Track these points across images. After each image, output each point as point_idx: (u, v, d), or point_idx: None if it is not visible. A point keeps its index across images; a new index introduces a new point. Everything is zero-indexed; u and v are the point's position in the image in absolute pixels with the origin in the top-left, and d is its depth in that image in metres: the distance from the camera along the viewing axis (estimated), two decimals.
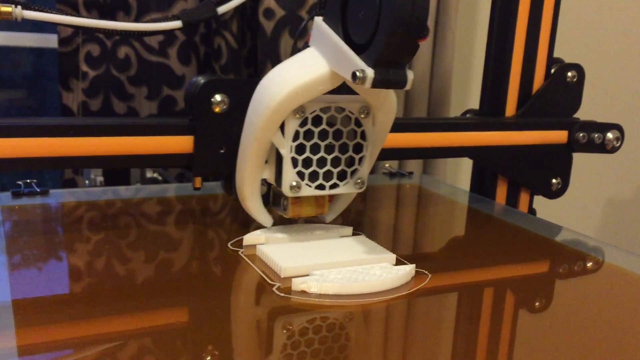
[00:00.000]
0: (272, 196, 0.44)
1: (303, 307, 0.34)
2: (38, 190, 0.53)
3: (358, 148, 0.41)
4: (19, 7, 0.45)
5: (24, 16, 0.45)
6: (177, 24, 0.54)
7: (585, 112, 0.60)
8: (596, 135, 0.57)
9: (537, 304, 0.38)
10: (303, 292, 0.36)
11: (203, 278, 0.38)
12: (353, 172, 0.41)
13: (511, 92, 0.58)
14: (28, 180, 0.54)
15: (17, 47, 1.10)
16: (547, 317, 0.36)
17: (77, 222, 0.47)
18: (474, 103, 0.63)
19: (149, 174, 0.78)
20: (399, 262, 0.40)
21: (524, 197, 0.60)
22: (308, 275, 0.37)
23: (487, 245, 0.48)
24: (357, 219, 0.53)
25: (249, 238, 0.43)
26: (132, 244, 0.43)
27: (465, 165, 0.77)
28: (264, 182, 0.42)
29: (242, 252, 0.42)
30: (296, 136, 0.39)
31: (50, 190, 0.53)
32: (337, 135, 0.40)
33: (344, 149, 0.41)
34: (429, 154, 0.56)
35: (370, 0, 0.33)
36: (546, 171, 0.59)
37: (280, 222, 0.45)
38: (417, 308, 0.36)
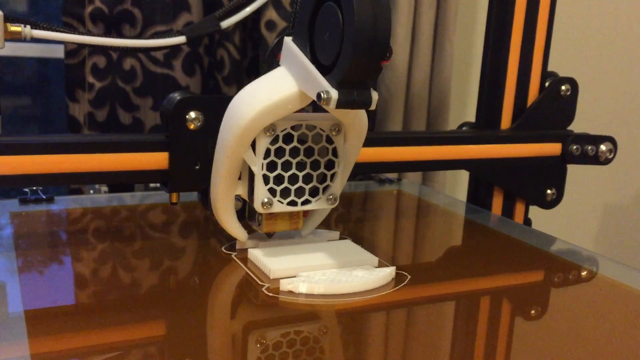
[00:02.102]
0: (247, 211, 0.44)
1: (289, 306, 0.37)
2: (44, 197, 0.54)
3: (330, 165, 0.42)
4: (28, 26, 0.47)
5: (33, 35, 0.47)
6: (181, 39, 0.56)
7: (578, 125, 0.62)
8: (589, 148, 0.58)
9: (525, 310, 0.39)
10: (290, 292, 0.38)
11: (198, 280, 0.41)
12: (325, 189, 0.42)
13: (506, 105, 0.59)
14: (34, 188, 0.56)
15: (23, 57, 1.12)
16: (532, 325, 0.37)
17: (84, 229, 0.49)
18: (473, 113, 0.65)
19: (152, 184, 0.80)
20: (381, 265, 0.43)
21: (519, 208, 0.62)
22: (295, 276, 0.39)
23: (469, 250, 0.51)
24: (344, 223, 0.54)
25: (242, 242, 0.45)
26: (134, 248, 0.45)
27: (464, 176, 0.78)
28: (239, 197, 0.43)
29: (234, 256, 0.44)
30: (267, 153, 0.40)
31: (55, 197, 0.55)
32: (309, 152, 0.41)
33: (315, 165, 0.41)
34: (426, 167, 0.57)
35: (334, 22, 0.34)
36: (541, 182, 0.60)
37: None
38: (395, 306, 0.38)
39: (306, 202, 0.42)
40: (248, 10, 0.58)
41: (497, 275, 0.45)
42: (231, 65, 0.88)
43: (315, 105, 0.38)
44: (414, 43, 0.97)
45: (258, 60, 0.90)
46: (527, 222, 0.63)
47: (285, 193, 0.41)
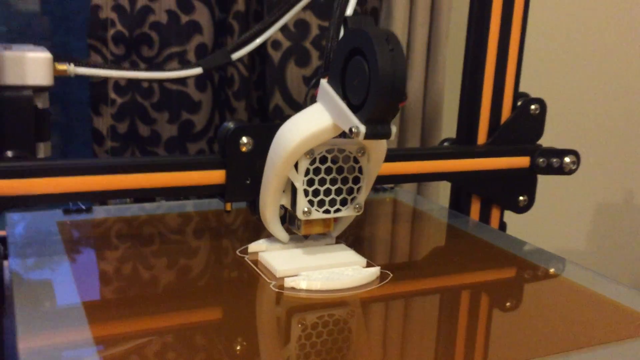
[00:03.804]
0: (288, 217, 0.54)
1: (292, 299, 0.46)
2: (84, 207, 0.63)
3: (356, 180, 0.51)
4: (72, 64, 0.56)
5: (77, 72, 0.56)
6: (198, 70, 0.65)
7: (550, 139, 0.70)
8: (555, 160, 0.67)
9: (492, 303, 0.47)
10: (292, 288, 0.47)
11: (216, 278, 0.50)
12: (352, 199, 0.51)
13: (482, 123, 0.68)
14: None
15: None
16: (497, 316, 0.46)
17: (123, 234, 0.58)
18: None
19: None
20: (369, 265, 0.51)
21: (495, 213, 0.70)
22: (297, 275, 0.48)
23: (446, 251, 0.59)
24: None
25: (253, 246, 0.54)
26: (161, 251, 0.54)
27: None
28: (282, 206, 0.52)
29: (247, 258, 0.53)
30: (307, 172, 0.49)
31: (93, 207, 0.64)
32: (340, 170, 0.50)
33: (345, 181, 0.51)
34: (413, 180, 0.65)
35: (362, 72, 0.43)
36: (514, 190, 0.69)
37: None
38: (378, 300, 0.47)
39: (337, 210, 0.51)
40: (257, 42, 0.66)
41: (468, 273, 0.53)
42: (240, 82, 0.97)
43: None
44: (409, 57, 1.05)
45: (265, 75, 0.99)
46: (503, 225, 0.71)
47: (321, 203, 0.50)
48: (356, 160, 0.51)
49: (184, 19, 0.93)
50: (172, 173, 0.52)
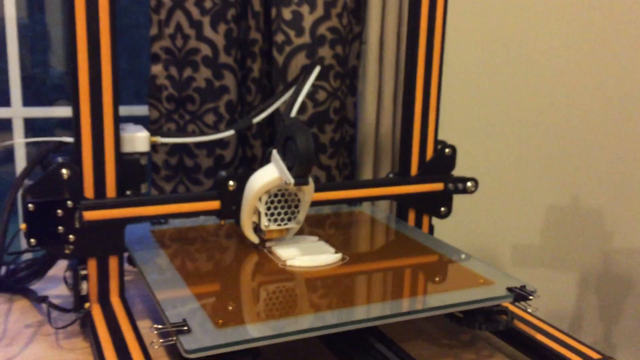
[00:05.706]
0: (257, 228, 0.91)
1: (291, 270, 0.83)
2: (162, 221, 1.01)
3: (296, 206, 0.89)
4: (159, 137, 0.93)
5: (162, 141, 0.93)
6: (231, 132, 1.02)
7: (464, 169, 1.06)
8: (460, 184, 1.03)
9: (411, 274, 0.85)
10: (291, 265, 0.85)
11: (249, 260, 0.87)
12: (294, 217, 0.89)
13: (414, 161, 1.04)
14: None
15: None
16: (408, 282, 0.83)
17: (191, 236, 0.95)
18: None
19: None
20: (336, 252, 0.88)
21: (425, 219, 1.07)
22: (294, 258, 0.86)
23: (386, 245, 0.95)
24: (319, 232, 1.00)
25: (269, 243, 0.91)
26: (214, 246, 0.91)
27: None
28: (254, 222, 0.89)
29: (265, 250, 0.90)
30: (267, 203, 0.87)
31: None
32: (286, 201, 0.88)
33: (289, 207, 0.88)
34: (370, 199, 1.02)
35: (292, 150, 0.80)
36: (436, 204, 1.05)
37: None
38: (339, 271, 0.84)
39: (285, 224, 0.89)
40: (268, 111, 1.04)
41: (395, 259, 0.90)
42: (256, 127, 1.34)
43: None
44: (380, 104, 1.42)
45: (273, 119, 1.37)
46: (431, 227, 1.08)
47: (275, 220, 0.88)
48: (296, 195, 0.88)
49: (217, 84, 1.30)
50: (192, 203, 0.88)
